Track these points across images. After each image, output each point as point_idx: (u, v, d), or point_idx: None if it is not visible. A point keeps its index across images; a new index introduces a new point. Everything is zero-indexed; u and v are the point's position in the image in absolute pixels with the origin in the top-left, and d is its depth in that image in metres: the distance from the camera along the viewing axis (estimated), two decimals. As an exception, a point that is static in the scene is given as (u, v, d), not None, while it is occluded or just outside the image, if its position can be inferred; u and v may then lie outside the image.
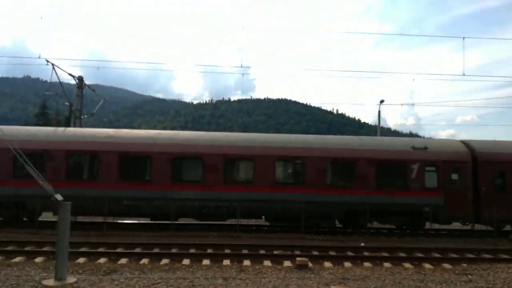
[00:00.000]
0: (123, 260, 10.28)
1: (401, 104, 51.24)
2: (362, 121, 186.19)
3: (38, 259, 10.14)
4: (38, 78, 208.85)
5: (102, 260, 10.25)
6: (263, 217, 16.05)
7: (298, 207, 14.68)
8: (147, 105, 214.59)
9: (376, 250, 12.21)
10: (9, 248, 11.31)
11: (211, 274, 8.87)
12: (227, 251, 11.69)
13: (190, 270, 9.35)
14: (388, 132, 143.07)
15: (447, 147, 16.42)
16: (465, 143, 16.47)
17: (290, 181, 15.78)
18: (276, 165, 15.43)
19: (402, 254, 11.78)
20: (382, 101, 29.77)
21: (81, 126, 20.16)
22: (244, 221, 16.65)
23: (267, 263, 10.33)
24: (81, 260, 10.16)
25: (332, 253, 11.88)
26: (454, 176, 15.51)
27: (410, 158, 15.45)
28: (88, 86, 21.61)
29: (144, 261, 10.23)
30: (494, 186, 15.49)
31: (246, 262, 10.35)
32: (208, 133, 17.72)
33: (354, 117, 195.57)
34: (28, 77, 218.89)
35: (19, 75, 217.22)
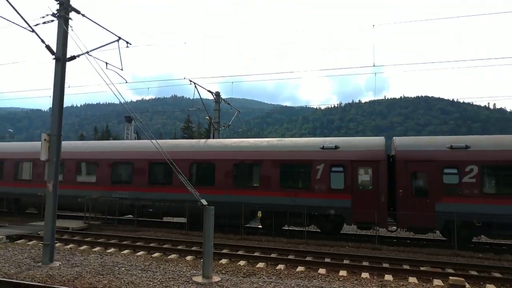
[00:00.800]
0: (261, 264, 10.83)
1: None
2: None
3: (189, 257, 11.51)
4: (183, 97, 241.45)
5: (242, 262, 11.01)
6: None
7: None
8: (275, 113, 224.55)
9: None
10: (166, 246, 13.19)
11: (349, 287, 8.59)
12: (365, 263, 11.16)
13: (326, 280, 9.24)
14: None
15: (360, 146, 15.26)
16: (393, 141, 15.33)
17: (204, 183, 16.11)
18: (190, 168, 16.73)
19: None
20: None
21: (219, 136, 22.32)
22: (383, 232, 15.71)
23: (412, 279, 9.46)
24: (224, 261, 11.11)
25: (496, 273, 10.15)
26: (365, 177, 14.55)
27: (316, 158, 15.05)
28: (224, 100, 23.83)
29: (281, 266, 10.56)
30: (413, 188, 13.97)
31: (388, 277, 9.68)
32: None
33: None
34: (175, 96, 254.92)
35: (168, 95, 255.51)
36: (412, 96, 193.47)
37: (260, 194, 15.55)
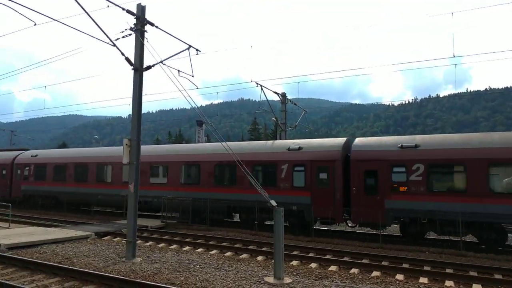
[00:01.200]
0: (333, 267, 10.61)
1: None
2: None
3: (259, 258, 11.70)
4: (249, 99, 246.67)
5: (313, 264, 10.89)
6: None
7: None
8: (344, 112, 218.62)
9: None
10: (237, 245, 13.56)
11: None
12: (449, 270, 10.36)
13: (404, 287, 8.77)
14: None
15: (320, 147, 16.45)
16: (349, 141, 16.29)
17: (162, 182, 19.69)
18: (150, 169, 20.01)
19: None
20: None
21: (286, 138, 22.38)
22: (469, 238, 14.46)
23: (506, 291, 8.56)
24: (294, 262, 11.10)
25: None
26: (323, 176, 15.56)
27: (280, 159, 16.56)
28: (290, 100, 23.84)
29: (354, 271, 10.24)
30: (365, 186, 14.75)
31: (476, 287, 8.88)
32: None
33: None
34: (242, 99, 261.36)
35: (235, 98, 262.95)
36: (500, 87, 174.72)
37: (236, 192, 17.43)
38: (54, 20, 10.73)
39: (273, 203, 9.25)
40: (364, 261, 11.36)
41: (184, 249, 13.01)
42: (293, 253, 12.23)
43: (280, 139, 22.10)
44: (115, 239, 14.53)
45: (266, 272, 9.73)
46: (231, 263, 10.79)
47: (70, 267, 9.38)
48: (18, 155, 27.15)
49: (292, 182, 16.19)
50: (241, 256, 11.90)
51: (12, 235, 13.40)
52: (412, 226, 14.15)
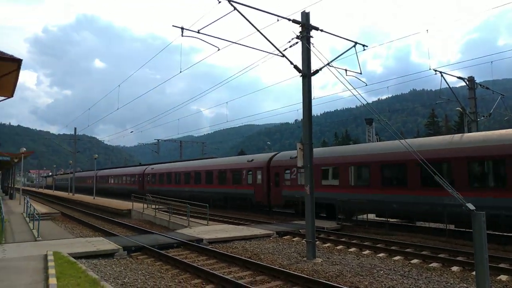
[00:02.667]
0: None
1: None
2: None
3: (454, 268, 10.37)
4: (423, 89, 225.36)
5: (528, 282, 9.00)
6: None
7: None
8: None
9: None
10: (424, 252, 12.39)
11: None
12: None
13: None
14: None
15: (259, 159, 27.11)
16: (274, 155, 26.10)
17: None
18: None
19: None
20: None
21: (477, 129, 19.35)
22: None
23: None
24: (503, 277, 9.40)
25: None
26: (259, 176, 25.89)
27: (243, 167, 27.72)
28: (480, 84, 20.50)
29: None
30: (274, 182, 24.50)
31: None
32: None
33: None
34: (414, 90, 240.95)
35: (406, 90, 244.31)
36: None
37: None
38: (234, 43, 12.16)
39: (471, 206, 8.05)
40: None
41: (364, 252, 12.69)
42: (499, 265, 10.39)
43: (470, 131, 19.24)
44: (294, 239, 15.35)
45: (465, 285, 8.56)
46: (420, 271, 9.93)
47: (259, 263, 10.35)
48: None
49: (247, 181, 27.10)
50: (430, 265, 10.82)
51: (210, 231, 15.76)
52: (297, 206, 22.18)
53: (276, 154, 26.26)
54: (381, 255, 12.30)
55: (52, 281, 7.34)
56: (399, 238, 15.16)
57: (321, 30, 12.34)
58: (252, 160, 27.19)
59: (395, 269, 10.16)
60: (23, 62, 11.67)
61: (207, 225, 18.31)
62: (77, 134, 50.51)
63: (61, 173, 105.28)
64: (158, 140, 51.23)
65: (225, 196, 29.30)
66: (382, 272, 9.80)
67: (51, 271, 8.23)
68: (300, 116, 14.01)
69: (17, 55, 11.62)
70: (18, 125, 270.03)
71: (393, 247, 13.33)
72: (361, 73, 12.92)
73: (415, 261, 11.36)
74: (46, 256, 10.16)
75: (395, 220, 18.82)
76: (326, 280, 8.77)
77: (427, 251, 12.67)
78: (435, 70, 17.98)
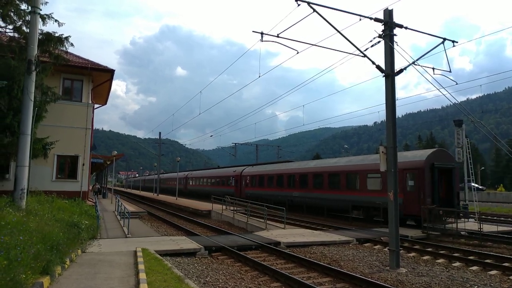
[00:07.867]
0: None
1: None
2: None
3: None
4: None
5: None
6: None
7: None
8: None
9: None
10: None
11: None
12: None
13: None
14: None
15: (237, 170, 42.21)
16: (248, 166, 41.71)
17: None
18: None
19: None
20: None
21: None
22: None
23: None
24: None
25: None
26: (237, 181, 40.73)
27: (230, 175, 42.80)
28: None
29: None
30: (243, 184, 39.23)
31: None
32: None
33: None
34: (510, 88, 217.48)
35: (500, 89, 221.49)
36: None
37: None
38: (313, 45, 12.17)
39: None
40: None
41: (454, 264, 11.76)
42: None
43: None
44: (375, 246, 14.78)
45: None
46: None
47: (340, 270, 10.16)
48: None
49: (231, 183, 43.02)
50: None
51: (288, 235, 15.85)
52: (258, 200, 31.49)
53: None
54: (474, 268, 11.31)
55: (142, 276, 7.96)
56: (495, 251, 13.80)
57: (406, 28, 11.80)
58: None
59: (492, 284, 9.28)
60: (114, 72, 12.86)
61: (284, 228, 18.45)
62: (161, 138, 54.32)
63: (147, 174, 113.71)
64: (235, 143, 52.94)
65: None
66: (476, 287, 9.02)
67: (141, 266, 8.93)
68: (379, 118, 13.66)
69: (109, 66, 12.87)
70: (110, 130, 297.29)
71: (487, 260, 12.17)
72: (450, 71, 12.09)
73: (516, 277, 10.25)
74: (135, 252, 11.03)
75: (488, 231, 17.11)
76: (412, 292, 8.33)
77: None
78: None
